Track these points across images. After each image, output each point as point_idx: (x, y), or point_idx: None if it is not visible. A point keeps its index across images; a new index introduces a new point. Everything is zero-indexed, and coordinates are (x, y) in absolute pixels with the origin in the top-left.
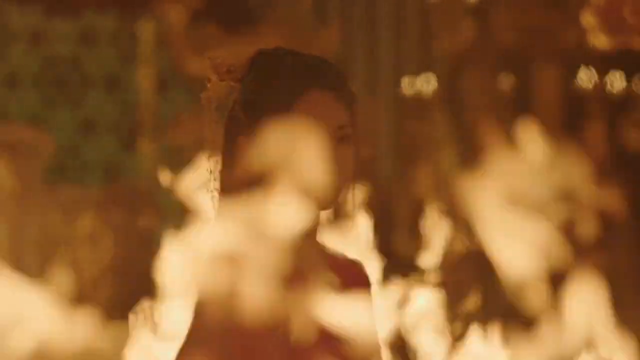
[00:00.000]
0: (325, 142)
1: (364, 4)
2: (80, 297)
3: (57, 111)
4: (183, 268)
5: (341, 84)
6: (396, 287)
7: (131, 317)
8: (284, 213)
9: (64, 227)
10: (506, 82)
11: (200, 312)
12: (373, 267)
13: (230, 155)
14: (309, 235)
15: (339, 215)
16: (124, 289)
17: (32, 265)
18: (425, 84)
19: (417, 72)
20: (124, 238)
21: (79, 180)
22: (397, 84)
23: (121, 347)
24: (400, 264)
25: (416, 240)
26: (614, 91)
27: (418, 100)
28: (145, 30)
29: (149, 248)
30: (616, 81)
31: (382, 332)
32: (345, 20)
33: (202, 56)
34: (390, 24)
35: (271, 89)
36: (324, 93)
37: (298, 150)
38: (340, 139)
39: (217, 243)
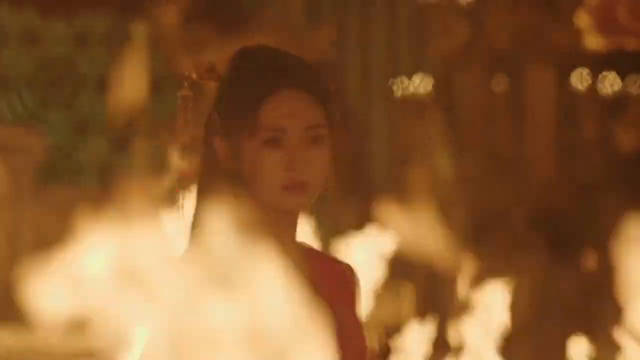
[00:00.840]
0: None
1: (357, 4)
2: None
3: (51, 112)
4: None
5: (315, 83)
6: None
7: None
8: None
9: (57, 227)
10: (500, 83)
11: None
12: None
13: (207, 157)
14: (289, 236)
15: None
16: None
17: (25, 266)
18: (419, 85)
19: (410, 73)
20: None
21: (72, 181)
22: (390, 85)
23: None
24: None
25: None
26: (608, 92)
27: (411, 102)
28: (139, 31)
29: None
30: (610, 82)
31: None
32: (338, 20)
33: (196, 57)
34: (383, 24)
35: (241, 88)
36: (294, 92)
37: None
38: (313, 140)
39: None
